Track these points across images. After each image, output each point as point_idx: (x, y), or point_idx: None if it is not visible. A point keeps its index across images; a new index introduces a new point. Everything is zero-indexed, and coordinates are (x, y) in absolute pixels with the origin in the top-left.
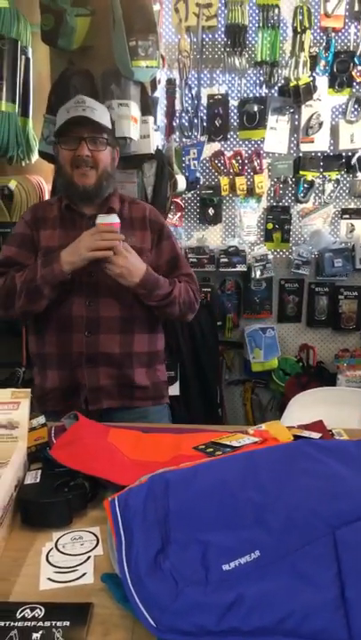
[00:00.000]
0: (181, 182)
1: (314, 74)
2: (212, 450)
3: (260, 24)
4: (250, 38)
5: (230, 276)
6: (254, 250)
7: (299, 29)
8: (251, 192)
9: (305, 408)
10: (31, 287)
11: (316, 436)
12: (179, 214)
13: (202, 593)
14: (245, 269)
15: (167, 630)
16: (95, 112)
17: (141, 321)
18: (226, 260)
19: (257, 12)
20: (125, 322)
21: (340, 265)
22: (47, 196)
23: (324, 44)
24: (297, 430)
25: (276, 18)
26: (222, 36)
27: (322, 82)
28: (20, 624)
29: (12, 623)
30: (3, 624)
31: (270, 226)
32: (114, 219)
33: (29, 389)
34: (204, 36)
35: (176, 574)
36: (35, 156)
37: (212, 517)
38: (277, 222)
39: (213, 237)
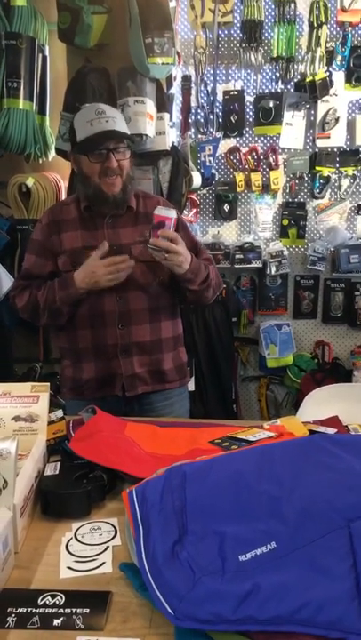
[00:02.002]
0: (197, 179)
1: (330, 69)
2: (227, 444)
3: (277, 19)
4: (266, 34)
5: (245, 272)
6: (270, 246)
7: (315, 24)
8: (266, 188)
9: (320, 404)
10: (52, 308)
11: (331, 431)
12: (194, 210)
13: (218, 582)
14: (261, 265)
15: (184, 618)
16: (117, 121)
17: (166, 309)
18: (241, 256)
19: (273, 7)
20: (153, 312)
21: (357, 261)
22: (64, 193)
23: (340, 38)
24: (312, 425)
25: (292, 13)
26: (238, 31)
27: (338, 77)
28: (41, 610)
29: (33, 610)
30: (24, 610)
31: (286, 222)
32: (163, 211)
33: (48, 384)
34: (219, 32)
35: (193, 564)
36: (52, 154)
37: (229, 509)
38: (293, 218)
39: (229, 233)
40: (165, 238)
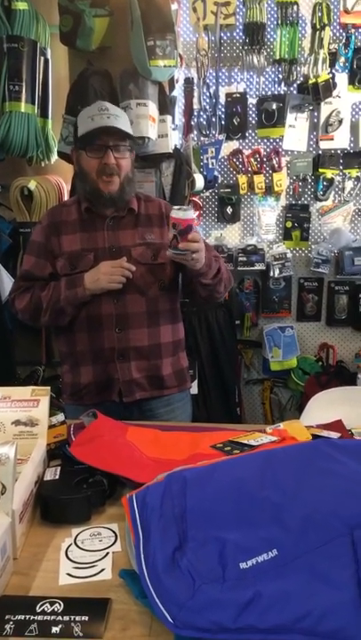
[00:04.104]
0: (199, 181)
1: (333, 71)
2: (229, 448)
3: (279, 21)
4: (268, 36)
5: (249, 274)
6: (273, 248)
7: (318, 26)
8: (269, 190)
9: (324, 407)
10: (56, 307)
11: (334, 435)
12: (197, 213)
13: (219, 590)
14: (264, 268)
15: (184, 626)
16: (119, 119)
17: (165, 313)
18: (244, 258)
19: (275, 9)
20: (151, 315)
21: None
22: (66, 196)
23: (343, 40)
24: (316, 430)
25: (294, 15)
26: (240, 34)
27: (341, 79)
28: (39, 618)
29: (31, 617)
30: (23, 617)
31: (289, 224)
32: (189, 214)
33: (49, 387)
34: (222, 34)
35: (193, 571)
36: (54, 157)
37: (230, 516)
38: (297, 220)
39: (232, 236)
40: (193, 240)
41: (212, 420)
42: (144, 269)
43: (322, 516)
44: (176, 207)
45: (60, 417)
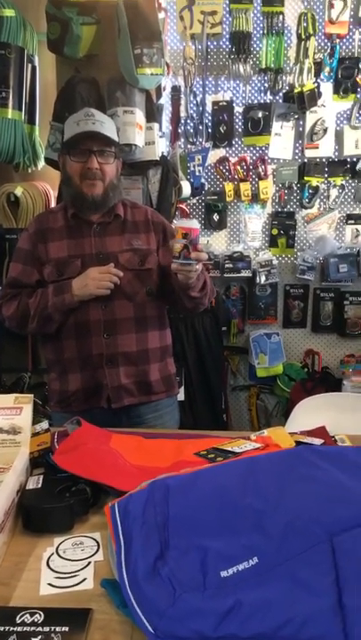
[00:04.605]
0: (186, 188)
1: (318, 80)
2: (213, 456)
3: (265, 31)
4: (254, 45)
5: (235, 281)
6: (259, 255)
7: (303, 36)
8: (255, 198)
9: (310, 414)
10: (44, 314)
11: (318, 442)
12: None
13: (200, 599)
14: (250, 275)
15: (165, 636)
16: (104, 125)
17: (153, 319)
18: (231, 265)
19: (261, 19)
20: (139, 321)
21: (346, 270)
22: (53, 202)
23: (328, 50)
24: (299, 436)
25: (280, 25)
26: (227, 43)
27: (326, 88)
28: (19, 629)
29: (11, 628)
30: (2, 629)
31: (275, 231)
32: (194, 223)
33: (32, 395)
34: (208, 43)
35: (174, 580)
36: (41, 163)
37: (212, 523)
38: (282, 228)
39: (218, 243)
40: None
41: (199, 426)
42: (131, 275)
43: (303, 523)
44: (182, 219)
45: (45, 425)
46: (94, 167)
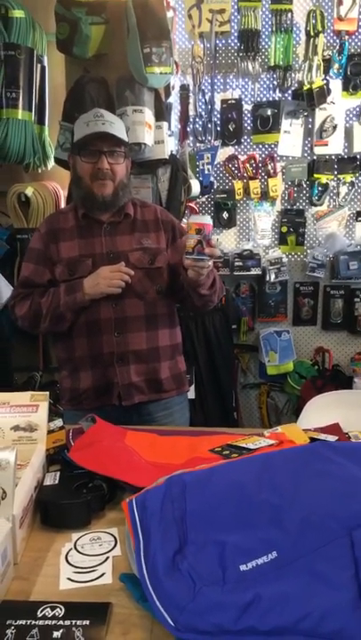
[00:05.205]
0: (195, 187)
1: (327, 77)
2: (228, 452)
3: (273, 28)
4: (263, 43)
5: (245, 279)
6: (269, 253)
7: (312, 33)
8: (265, 196)
9: (321, 411)
10: (56, 313)
11: (332, 438)
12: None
13: (219, 593)
14: (260, 273)
15: (185, 630)
16: (113, 126)
17: (163, 317)
18: (240, 263)
19: (270, 16)
20: (150, 319)
21: (356, 267)
22: (63, 202)
23: (337, 47)
24: (313, 433)
25: (289, 22)
26: (235, 41)
27: (335, 85)
28: (40, 622)
29: (32, 622)
30: (24, 623)
31: (285, 229)
32: (207, 219)
33: (48, 393)
34: (217, 41)
35: (194, 574)
36: (51, 163)
37: (229, 518)
38: (292, 225)
39: (228, 241)
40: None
41: (210, 424)
42: (142, 274)
43: (320, 518)
44: (193, 215)
45: (59, 422)
46: (104, 167)
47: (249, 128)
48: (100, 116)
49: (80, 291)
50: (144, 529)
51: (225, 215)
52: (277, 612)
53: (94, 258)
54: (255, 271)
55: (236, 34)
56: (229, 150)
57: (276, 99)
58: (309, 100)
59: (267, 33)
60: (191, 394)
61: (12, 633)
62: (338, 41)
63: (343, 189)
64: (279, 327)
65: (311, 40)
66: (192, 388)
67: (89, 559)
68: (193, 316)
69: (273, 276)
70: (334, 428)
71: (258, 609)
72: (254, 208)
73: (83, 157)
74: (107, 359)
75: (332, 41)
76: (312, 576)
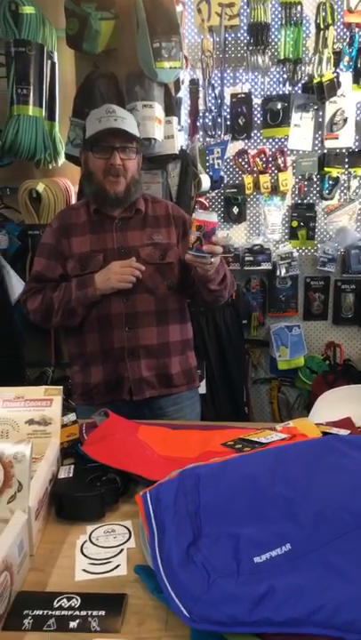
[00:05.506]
0: (205, 181)
1: (338, 70)
2: (240, 446)
3: (283, 21)
4: (273, 36)
5: (255, 274)
6: (279, 248)
7: (322, 26)
8: (275, 190)
9: (332, 406)
10: (67, 308)
11: (344, 432)
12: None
13: (233, 584)
14: (270, 267)
15: (200, 620)
16: (125, 121)
17: (174, 312)
18: (251, 258)
19: (279, 9)
20: (160, 315)
21: None
22: (74, 198)
23: (347, 39)
24: (325, 427)
25: (298, 15)
26: (245, 34)
27: (346, 78)
28: (57, 613)
29: (49, 612)
30: (41, 613)
31: (295, 223)
32: (213, 217)
33: (61, 387)
34: (226, 35)
35: (208, 566)
36: (61, 159)
37: (243, 512)
38: (302, 220)
39: (238, 236)
40: (216, 243)
41: (221, 419)
42: (152, 269)
43: (333, 511)
44: (200, 210)
45: (72, 416)
46: (117, 164)
47: (259, 122)
48: (113, 112)
49: (91, 286)
50: (158, 522)
51: (235, 210)
52: (291, 604)
53: (105, 253)
54: (266, 266)
55: (245, 27)
56: (239, 145)
57: (286, 92)
58: (320, 93)
59: (276, 26)
60: (202, 389)
61: (29, 623)
62: (348, 33)
63: (354, 183)
64: (290, 322)
65: (321, 33)
66: (203, 383)
67: (104, 551)
68: (204, 312)
69: (284, 271)
70: (346, 423)
71: (272, 601)
72: (264, 202)
73: (95, 154)
74: (118, 354)
75: (342, 33)
76: (326, 569)
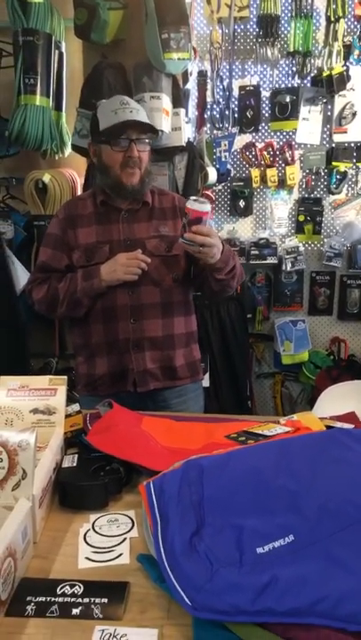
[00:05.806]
0: (212, 174)
1: (347, 63)
2: (244, 438)
3: (293, 14)
4: (282, 28)
5: (261, 268)
6: (285, 242)
7: (332, 18)
8: (282, 184)
9: (336, 401)
10: (73, 298)
11: (348, 427)
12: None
13: (236, 574)
14: (276, 262)
15: (202, 609)
16: (140, 113)
17: (179, 304)
18: (256, 252)
19: (289, 1)
20: (165, 307)
21: None
22: (80, 189)
23: (358, 32)
24: (329, 421)
25: (308, 7)
26: (254, 26)
27: (356, 71)
28: (60, 599)
29: (52, 599)
30: (44, 599)
31: (302, 218)
32: (202, 207)
33: (66, 377)
34: (235, 26)
35: (211, 556)
36: (68, 150)
37: (246, 503)
38: (309, 214)
39: (244, 229)
40: (200, 233)
41: (224, 412)
42: (158, 261)
43: (337, 504)
44: (193, 198)
45: (76, 407)
46: (135, 155)
47: (267, 115)
48: (127, 104)
49: (97, 277)
50: (162, 511)
51: (241, 203)
52: (294, 595)
53: (111, 244)
54: (271, 260)
55: (255, 19)
56: (247, 137)
57: (295, 85)
58: (329, 86)
59: (286, 18)
60: (206, 382)
61: (32, 609)
62: (359, 26)
63: None
64: (295, 317)
65: (331, 25)
66: (207, 376)
67: (107, 540)
68: (208, 305)
69: (289, 265)
70: (350, 417)
71: (275, 590)
72: (271, 196)
73: (114, 146)
74: (122, 346)
75: (352, 26)
76: (329, 560)
